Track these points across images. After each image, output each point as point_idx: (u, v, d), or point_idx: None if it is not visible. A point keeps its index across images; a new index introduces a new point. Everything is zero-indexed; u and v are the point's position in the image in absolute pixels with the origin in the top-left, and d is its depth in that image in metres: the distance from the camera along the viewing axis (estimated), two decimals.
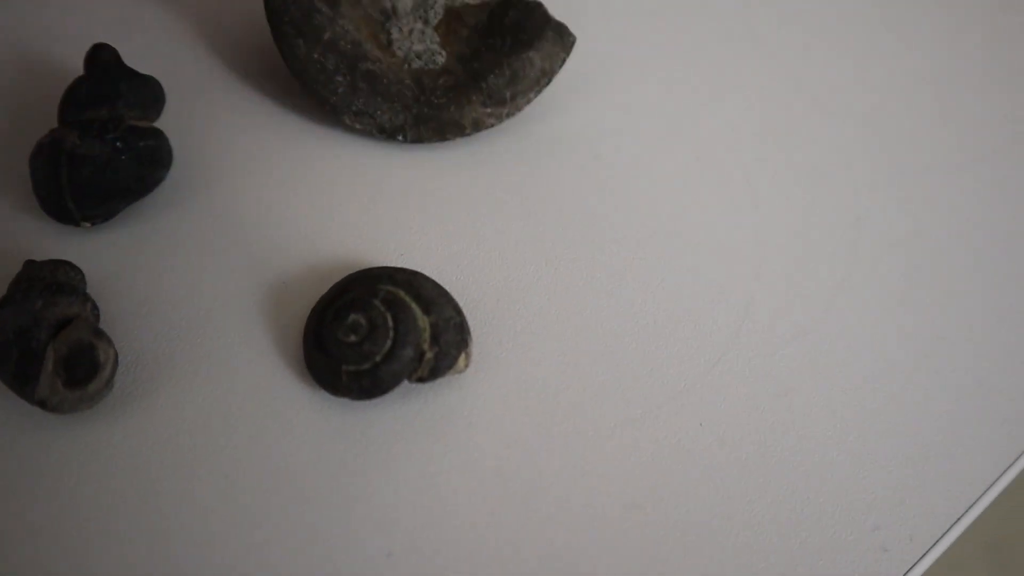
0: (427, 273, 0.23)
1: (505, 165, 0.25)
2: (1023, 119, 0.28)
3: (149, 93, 0.24)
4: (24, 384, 0.20)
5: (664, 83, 0.28)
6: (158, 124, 0.25)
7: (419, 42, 0.26)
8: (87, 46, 0.26)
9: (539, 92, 0.25)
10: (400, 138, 0.25)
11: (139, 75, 0.24)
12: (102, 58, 0.24)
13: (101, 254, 0.23)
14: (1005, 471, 0.22)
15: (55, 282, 0.21)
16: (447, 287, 0.23)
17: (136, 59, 0.27)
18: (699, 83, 0.28)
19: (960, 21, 0.31)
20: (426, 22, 0.26)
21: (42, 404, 0.20)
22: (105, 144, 0.22)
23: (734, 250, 0.25)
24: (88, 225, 0.23)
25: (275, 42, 0.25)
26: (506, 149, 0.25)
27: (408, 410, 0.21)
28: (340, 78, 0.25)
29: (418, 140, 0.25)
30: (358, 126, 0.25)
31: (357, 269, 0.23)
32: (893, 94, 0.29)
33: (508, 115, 0.25)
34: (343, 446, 0.21)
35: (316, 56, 0.25)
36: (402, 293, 0.22)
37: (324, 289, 0.23)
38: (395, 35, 0.26)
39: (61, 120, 0.23)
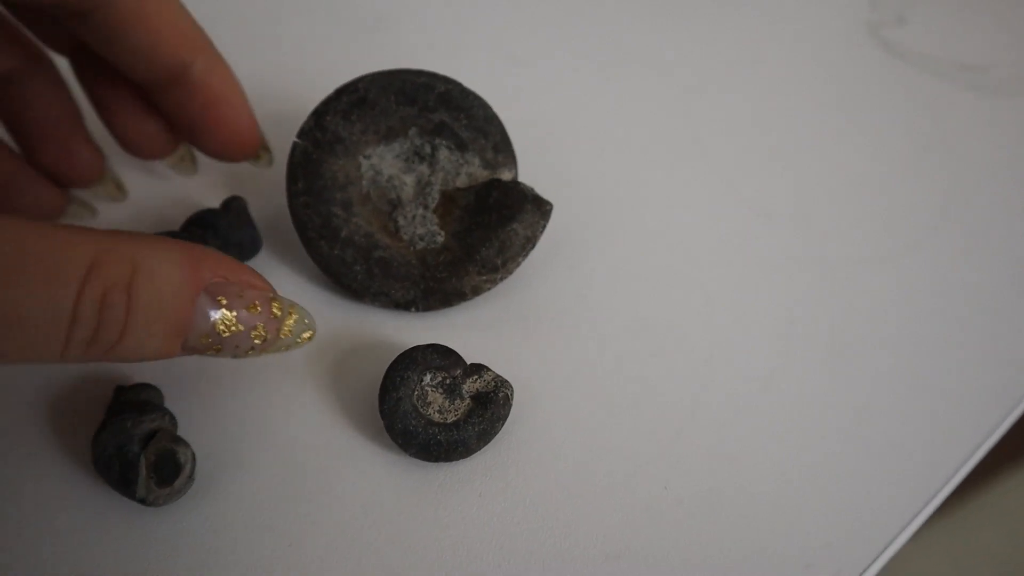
0: None
1: (504, 319, 0.30)
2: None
3: (253, 239, 0.31)
4: (126, 487, 0.25)
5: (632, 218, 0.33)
6: None
7: (421, 226, 0.29)
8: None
9: (526, 255, 0.29)
10: (413, 309, 0.29)
11: (255, 226, 0.31)
12: (235, 204, 0.31)
13: (173, 371, 0.28)
14: (915, 517, 0.27)
15: (139, 402, 0.26)
16: None
17: None
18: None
19: (886, 119, 0.37)
20: (426, 207, 0.29)
21: (142, 501, 0.25)
22: None
23: (694, 345, 0.30)
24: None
25: (303, 245, 0.29)
26: (503, 307, 0.30)
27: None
28: (358, 267, 0.29)
29: (427, 309, 0.29)
30: (377, 304, 0.29)
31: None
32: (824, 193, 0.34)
33: (501, 278, 0.29)
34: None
35: (336, 252, 0.29)
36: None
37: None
38: (401, 222, 0.29)
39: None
